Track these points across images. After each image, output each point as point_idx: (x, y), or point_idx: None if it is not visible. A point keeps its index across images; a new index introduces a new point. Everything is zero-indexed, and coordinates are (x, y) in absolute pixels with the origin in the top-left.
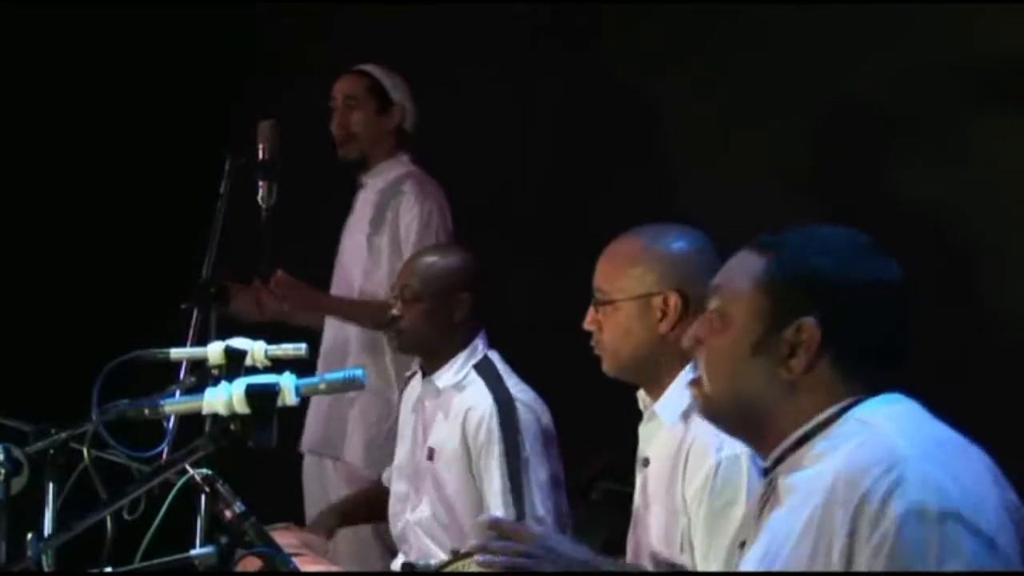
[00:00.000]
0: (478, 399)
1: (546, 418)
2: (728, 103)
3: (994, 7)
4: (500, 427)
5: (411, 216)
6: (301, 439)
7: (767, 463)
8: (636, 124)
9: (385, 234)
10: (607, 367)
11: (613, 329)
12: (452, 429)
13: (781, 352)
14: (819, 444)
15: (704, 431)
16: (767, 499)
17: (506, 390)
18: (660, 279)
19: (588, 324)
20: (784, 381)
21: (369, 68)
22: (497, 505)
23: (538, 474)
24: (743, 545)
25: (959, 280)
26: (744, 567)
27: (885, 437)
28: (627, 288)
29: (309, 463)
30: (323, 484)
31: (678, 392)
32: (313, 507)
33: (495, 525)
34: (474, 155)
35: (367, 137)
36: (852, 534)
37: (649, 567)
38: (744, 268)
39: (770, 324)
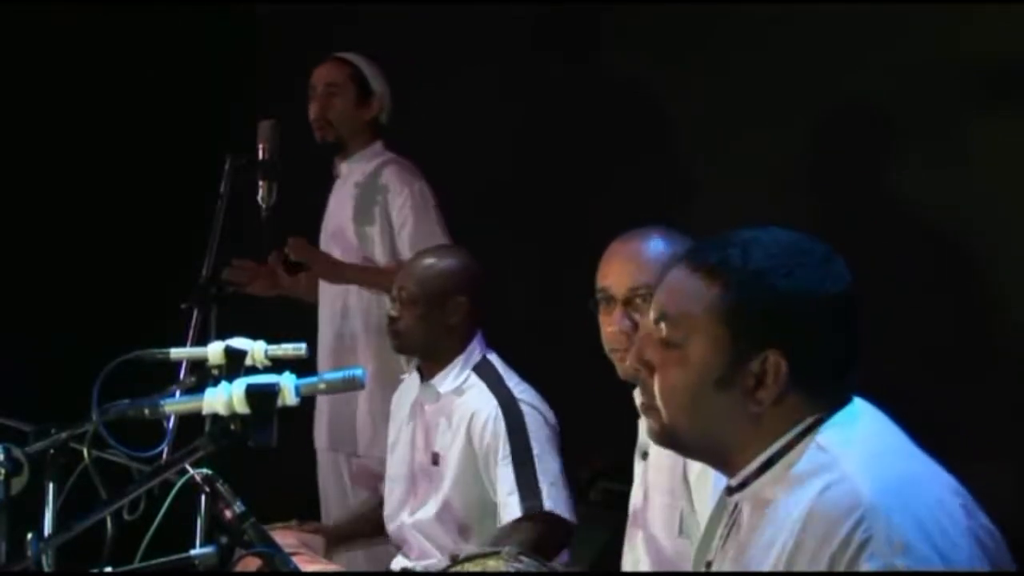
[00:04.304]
0: (482, 403)
1: (550, 416)
2: (728, 103)
3: (994, 7)
4: (506, 428)
5: (402, 199)
6: (314, 436)
7: (732, 483)
8: (635, 124)
9: (375, 223)
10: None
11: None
12: (457, 434)
13: (747, 384)
14: (781, 469)
15: None
16: (731, 524)
17: (508, 391)
18: None
19: (624, 328)
20: (751, 413)
21: (350, 56)
22: (512, 503)
23: (551, 470)
24: (708, 565)
25: (959, 280)
26: None
27: (851, 480)
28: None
29: (324, 459)
30: (340, 480)
31: None
32: (329, 503)
33: None
34: (473, 155)
35: (345, 126)
36: None
37: (649, 558)
38: (694, 295)
39: (733, 358)
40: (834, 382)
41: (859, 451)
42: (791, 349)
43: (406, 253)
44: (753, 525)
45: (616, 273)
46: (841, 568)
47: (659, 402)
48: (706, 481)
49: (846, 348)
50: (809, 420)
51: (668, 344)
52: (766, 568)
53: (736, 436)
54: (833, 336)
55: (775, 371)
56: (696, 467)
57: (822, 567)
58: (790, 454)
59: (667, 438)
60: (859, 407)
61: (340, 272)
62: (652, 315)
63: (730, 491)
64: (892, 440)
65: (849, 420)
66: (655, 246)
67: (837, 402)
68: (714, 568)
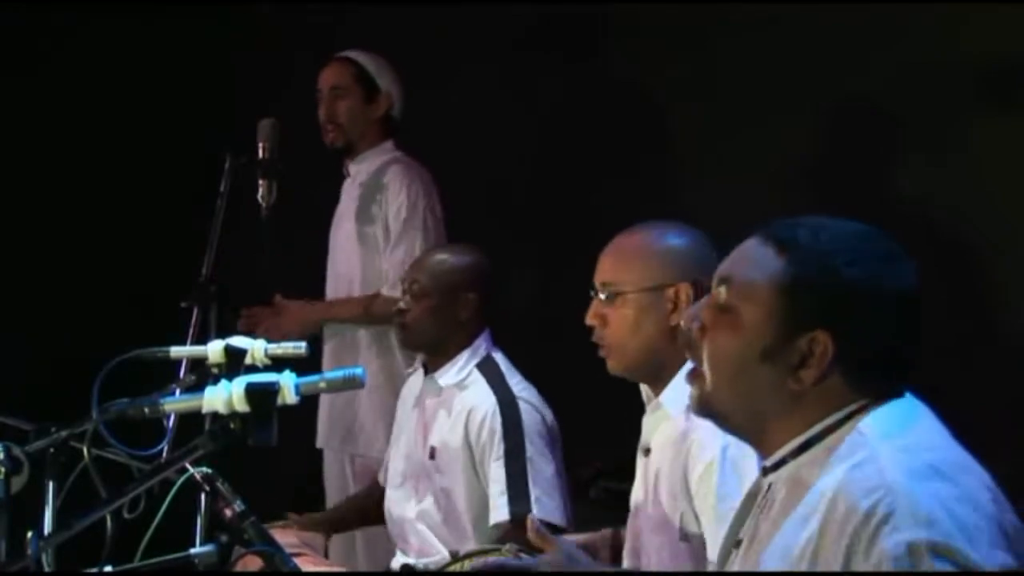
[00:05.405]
0: (481, 398)
1: (549, 416)
2: (729, 103)
3: (995, 7)
4: (503, 427)
5: (398, 203)
6: (317, 435)
7: (767, 463)
8: (636, 123)
9: (377, 224)
10: (613, 365)
11: (620, 322)
12: (454, 428)
13: (791, 361)
14: (821, 453)
15: None
16: (765, 504)
17: (508, 389)
18: (671, 271)
19: (591, 319)
20: (791, 391)
21: (355, 55)
22: (501, 505)
23: (542, 473)
24: (739, 544)
25: (960, 279)
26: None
27: (879, 461)
28: (637, 280)
29: (329, 459)
30: (343, 479)
31: (684, 383)
32: (332, 502)
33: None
34: (473, 154)
35: (354, 127)
36: (847, 567)
37: (648, 556)
38: (760, 265)
39: (784, 331)
40: (881, 374)
41: (895, 440)
42: (841, 334)
43: (386, 264)
44: (788, 503)
45: (602, 265)
46: (862, 544)
47: (705, 366)
48: (709, 484)
49: (898, 344)
50: (853, 406)
51: (724, 308)
52: (796, 546)
53: (773, 411)
54: (884, 330)
55: (822, 352)
56: (698, 470)
57: (844, 544)
58: (830, 437)
59: (706, 404)
60: (909, 403)
61: (317, 315)
62: (715, 279)
63: (764, 471)
64: (933, 436)
65: (895, 412)
66: (634, 240)
67: (884, 394)
68: (743, 546)
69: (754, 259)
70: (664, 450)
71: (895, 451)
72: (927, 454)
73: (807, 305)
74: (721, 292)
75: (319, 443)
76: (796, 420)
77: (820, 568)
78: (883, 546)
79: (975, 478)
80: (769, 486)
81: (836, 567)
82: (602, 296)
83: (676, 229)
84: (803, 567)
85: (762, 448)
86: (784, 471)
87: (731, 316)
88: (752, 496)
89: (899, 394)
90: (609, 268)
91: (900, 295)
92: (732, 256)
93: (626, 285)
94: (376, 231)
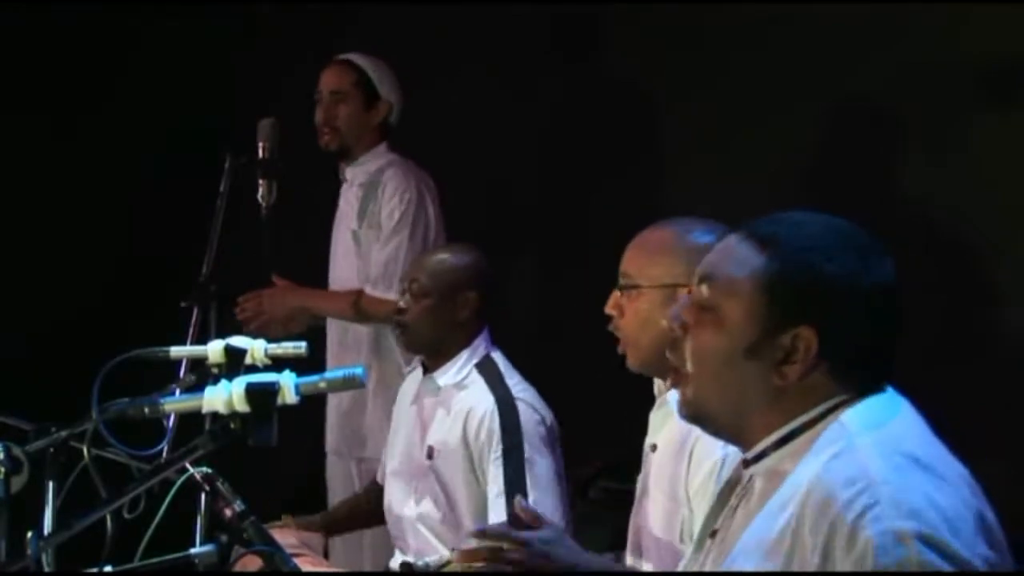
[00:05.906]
0: (479, 399)
1: (549, 417)
2: (729, 103)
3: (995, 7)
4: (501, 427)
5: (391, 206)
6: (325, 440)
7: (747, 456)
8: (636, 124)
9: (374, 227)
10: (630, 360)
11: (634, 316)
12: (453, 428)
13: (775, 357)
14: (801, 445)
15: None
16: (743, 495)
17: (507, 389)
18: (687, 270)
19: (610, 308)
20: (775, 387)
21: (357, 59)
22: (499, 505)
23: (541, 474)
24: (714, 534)
25: (959, 280)
26: (718, 566)
27: (860, 452)
28: (654, 276)
29: (333, 463)
30: (349, 484)
31: None
32: None
33: (480, 534)
34: (473, 154)
35: (351, 133)
36: (826, 557)
37: (649, 553)
38: (741, 262)
39: (766, 328)
40: (863, 370)
41: (876, 432)
42: (823, 329)
43: (371, 266)
44: (765, 495)
45: (626, 256)
46: (843, 533)
47: (689, 364)
48: (706, 493)
49: (878, 339)
50: (835, 400)
51: (707, 307)
52: (770, 537)
53: (756, 407)
54: (866, 324)
55: (805, 348)
56: (699, 478)
57: (822, 534)
58: (811, 431)
59: (693, 408)
60: (890, 396)
61: (291, 299)
62: (696, 278)
63: (745, 464)
64: (913, 429)
65: (877, 406)
66: (659, 235)
67: (866, 389)
68: (719, 537)
69: (735, 257)
70: (668, 450)
71: (876, 442)
72: (908, 445)
73: (789, 301)
74: (703, 290)
75: (328, 448)
76: (778, 414)
77: (796, 558)
78: (868, 534)
79: (954, 471)
80: (749, 478)
81: (813, 558)
82: (621, 287)
83: (703, 227)
84: (779, 557)
85: (743, 443)
86: (764, 464)
87: (714, 314)
88: (730, 487)
89: (881, 388)
90: (630, 261)
91: (879, 289)
92: (712, 254)
93: (642, 280)
94: (372, 234)
